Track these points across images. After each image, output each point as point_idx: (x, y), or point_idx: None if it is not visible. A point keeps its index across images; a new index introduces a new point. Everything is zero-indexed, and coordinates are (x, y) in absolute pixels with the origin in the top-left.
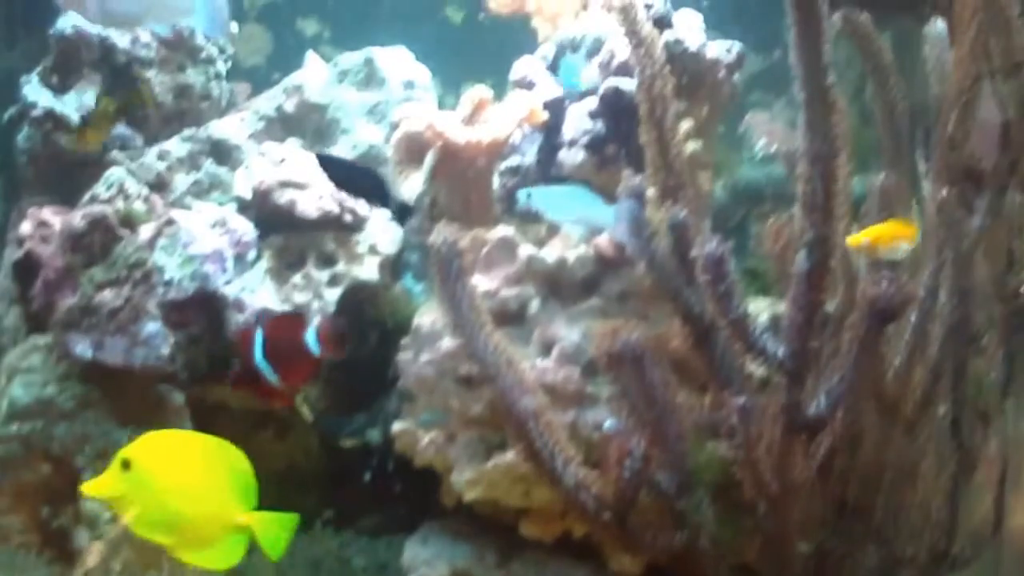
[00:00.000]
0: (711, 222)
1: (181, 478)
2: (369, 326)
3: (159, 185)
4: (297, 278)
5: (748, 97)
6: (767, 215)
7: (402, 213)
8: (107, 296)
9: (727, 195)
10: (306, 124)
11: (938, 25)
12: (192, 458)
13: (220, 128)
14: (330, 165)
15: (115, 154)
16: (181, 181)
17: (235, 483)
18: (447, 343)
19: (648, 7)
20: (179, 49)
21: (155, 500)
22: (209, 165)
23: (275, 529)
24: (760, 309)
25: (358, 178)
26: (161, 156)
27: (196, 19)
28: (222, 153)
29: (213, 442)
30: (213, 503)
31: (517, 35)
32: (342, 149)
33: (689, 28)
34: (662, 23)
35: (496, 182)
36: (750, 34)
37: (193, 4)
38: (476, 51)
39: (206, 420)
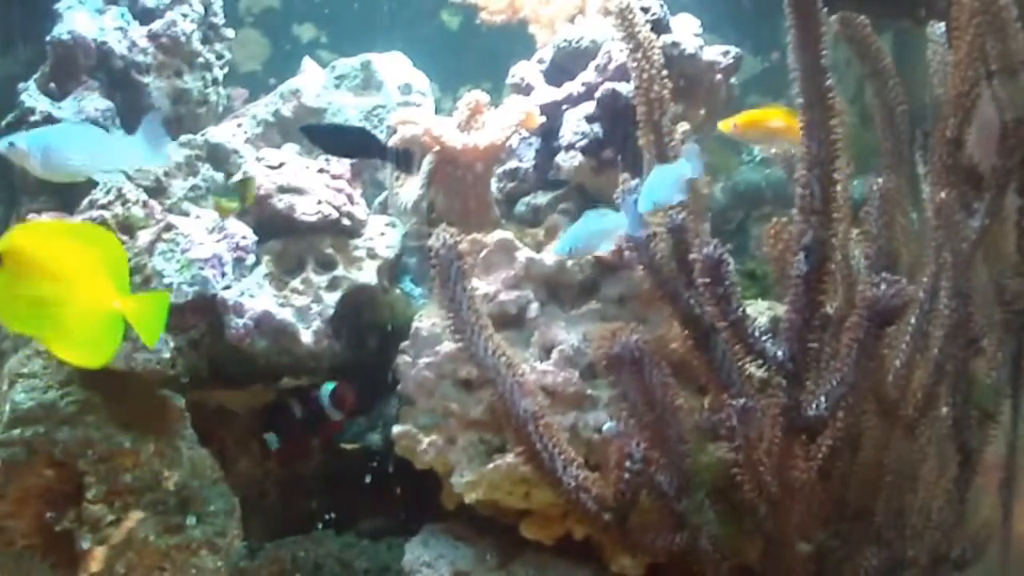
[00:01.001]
0: (710, 225)
1: (52, 268)
2: (368, 330)
3: (157, 190)
4: (296, 282)
5: (746, 99)
6: (766, 217)
7: (402, 161)
8: None
9: (726, 197)
10: None
11: (940, 26)
12: (63, 247)
13: (217, 133)
14: (318, 133)
15: None
16: (179, 186)
17: (108, 269)
18: (446, 346)
19: (645, 10)
20: (176, 55)
21: (28, 293)
22: (207, 170)
23: (149, 311)
24: (760, 311)
25: (349, 138)
26: None
27: (137, 157)
28: (220, 158)
29: (84, 229)
30: (87, 290)
31: (514, 39)
32: None
33: (686, 32)
34: (659, 27)
35: (494, 186)
36: (749, 36)
37: (137, 152)
38: (473, 55)
39: (207, 423)
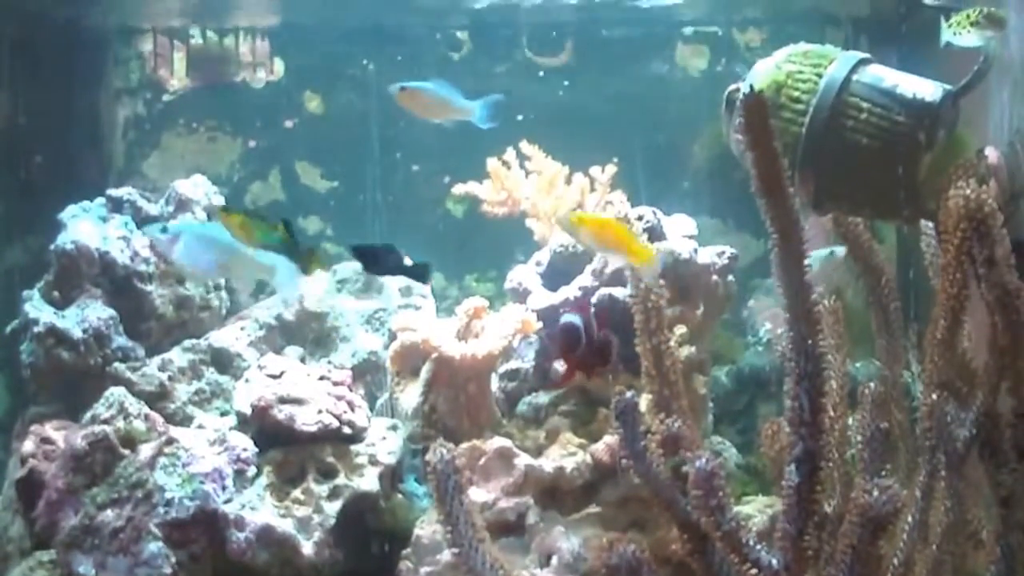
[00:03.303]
0: (715, 411)
1: None
2: (370, 536)
3: (161, 395)
4: (297, 492)
5: (750, 282)
6: (773, 396)
7: (419, 275)
8: (109, 516)
9: (731, 382)
10: (306, 332)
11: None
12: None
13: (220, 337)
14: (359, 253)
15: (116, 366)
16: (183, 390)
17: None
18: (446, 555)
19: (640, 218)
20: None
21: None
22: (210, 374)
23: None
24: (760, 508)
25: (385, 259)
26: (163, 366)
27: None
28: (223, 361)
29: None
30: None
31: (519, 225)
32: (342, 357)
33: (681, 235)
34: (654, 233)
35: (496, 385)
36: (750, 219)
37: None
38: (478, 242)
39: None
